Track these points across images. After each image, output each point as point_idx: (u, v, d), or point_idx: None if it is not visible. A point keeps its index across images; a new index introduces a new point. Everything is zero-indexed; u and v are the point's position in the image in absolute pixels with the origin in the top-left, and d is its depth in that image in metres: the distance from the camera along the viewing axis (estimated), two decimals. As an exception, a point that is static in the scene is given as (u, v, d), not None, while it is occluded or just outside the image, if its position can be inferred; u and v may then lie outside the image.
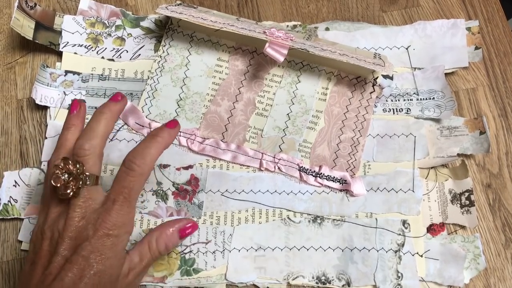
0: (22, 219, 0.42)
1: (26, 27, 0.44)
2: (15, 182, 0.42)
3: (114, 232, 0.32)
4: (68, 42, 0.45)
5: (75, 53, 0.45)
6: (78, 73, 0.45)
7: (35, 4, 0.45)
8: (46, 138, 0.43)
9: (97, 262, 0.31)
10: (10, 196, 0.42)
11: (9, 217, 0.42)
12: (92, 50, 0.46)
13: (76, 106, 0.37)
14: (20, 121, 0.45)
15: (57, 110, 0.44)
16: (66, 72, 0.45)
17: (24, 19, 0.44)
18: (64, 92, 0.44)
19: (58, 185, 0.32)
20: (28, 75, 0.47)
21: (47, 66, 0.45)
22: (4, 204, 0.42)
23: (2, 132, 0.45)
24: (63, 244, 0.31)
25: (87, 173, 0.33)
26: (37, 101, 0.43)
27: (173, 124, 0.35)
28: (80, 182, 0.32)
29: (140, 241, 0.35)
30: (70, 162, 0.32)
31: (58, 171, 0.32)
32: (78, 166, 0.32)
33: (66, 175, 0.32)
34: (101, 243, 0.31)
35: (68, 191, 0.32)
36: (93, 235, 0.31)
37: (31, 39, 0.45)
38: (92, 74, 0.45)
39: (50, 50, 0.47)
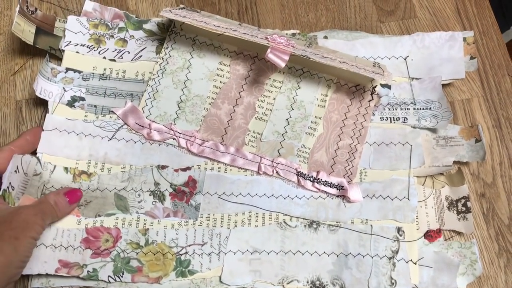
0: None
1: (26, 32, 0.44)
2: (17, 167, 0.41)
3: None
4: (70, 41, 0.46)
5: (77, 52, 0.46)
6: (79, 71, 0.45)
7: (36, 9, 0.45)
8: (43, 130, 0.43)
9: None
10: (10, 183, 0.41)
11: None
12: (94, 50, 0.46)
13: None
14: (19, 122, 0.45)
15: (55, 105, 0.44)
16: (67, 69, 0.45)
17: (25, 24, 0.44)
18: (63, 88, 0.44)
19: None
20: (27, 76, 0.47)
21: (50, 61, 0.45)
22: (4, 190, 0.41)
23: (0, 133, 0.45)
24: None
25: None
26: (37, 93, 0.43)
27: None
28: None
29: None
30: None
31: None
32: None
33: None
34: None
35: None
36: None
37: (31, 43, 0.45)
38: (93, 73, 0.45)
39: (50, 54, 0.47)
